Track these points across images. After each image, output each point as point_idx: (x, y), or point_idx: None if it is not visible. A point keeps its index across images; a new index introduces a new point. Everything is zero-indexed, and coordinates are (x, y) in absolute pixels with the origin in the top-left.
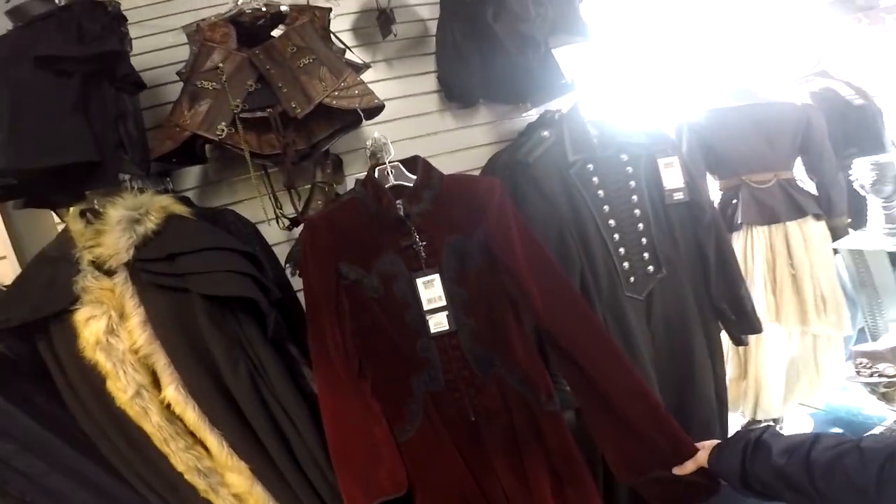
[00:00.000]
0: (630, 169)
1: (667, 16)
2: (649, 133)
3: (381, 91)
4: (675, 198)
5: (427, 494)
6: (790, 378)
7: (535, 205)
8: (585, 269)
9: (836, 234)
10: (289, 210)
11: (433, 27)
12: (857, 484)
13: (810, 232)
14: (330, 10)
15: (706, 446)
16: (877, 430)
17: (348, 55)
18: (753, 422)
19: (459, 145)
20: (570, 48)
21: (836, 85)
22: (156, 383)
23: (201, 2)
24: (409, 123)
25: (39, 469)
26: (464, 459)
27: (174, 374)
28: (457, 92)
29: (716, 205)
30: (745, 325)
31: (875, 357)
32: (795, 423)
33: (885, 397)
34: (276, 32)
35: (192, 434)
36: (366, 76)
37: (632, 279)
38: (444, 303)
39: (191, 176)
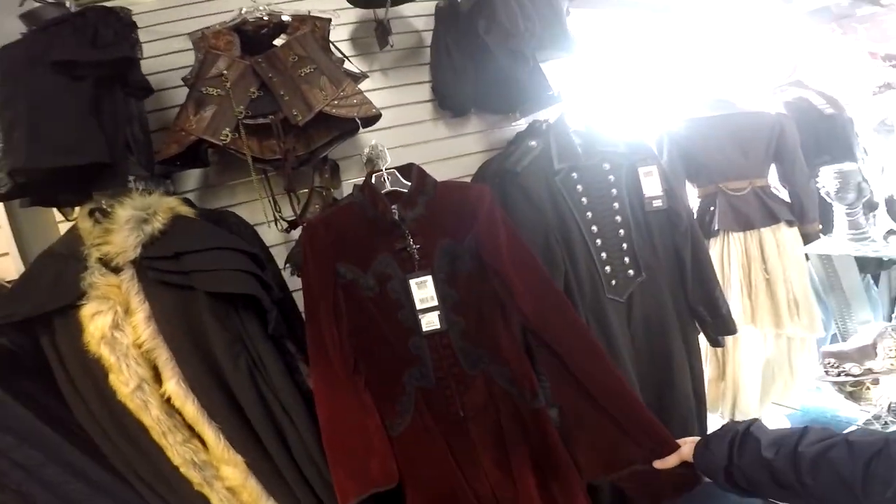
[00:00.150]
0: (612, 177)
1: (647, 31)
2: (630, 143)
3: (377, 99)
4: (655, 205)
5: (417, 488)
6: (766, 379)
7: (523, 212)
8: (569, 272)
9: (809, 240)
10: (287, 213)
11: (428, 38)
12: (844, 477)
13: (783, 238)
14: (330, 20)
15: (688, 441)
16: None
17: (346, 65)
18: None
19: (451, 153)
20: (556, 62)
21: (808, 94)
22: (157, 377)
23: (206, 10)
24: (404, 131)
25: (36, 460)
26: (452, 454)
27: (175, 369)
28: (450, 101)
29: (695, 212)
30: (720, 326)
31: (842, 357)
32: (772, 424)
33: (852, 396)
34: (277, 41)
35: (189, 427)
36: (363, 85)
37: (613, 282)
38: (435, 303)
39: (191, 178)
